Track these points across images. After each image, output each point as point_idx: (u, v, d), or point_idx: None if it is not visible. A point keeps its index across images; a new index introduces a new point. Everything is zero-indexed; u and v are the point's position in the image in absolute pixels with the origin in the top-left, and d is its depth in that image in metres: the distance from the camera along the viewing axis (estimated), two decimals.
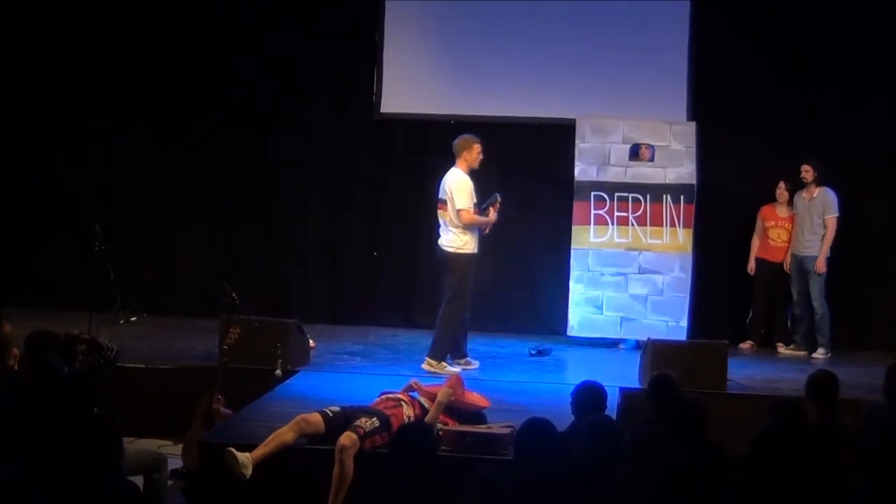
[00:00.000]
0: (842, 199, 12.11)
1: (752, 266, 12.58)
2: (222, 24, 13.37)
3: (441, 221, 10.68)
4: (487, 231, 10.75)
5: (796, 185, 12.31)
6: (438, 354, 10.64)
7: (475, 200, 10.61)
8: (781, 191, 12.41)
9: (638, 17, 12.93)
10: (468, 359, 10.92)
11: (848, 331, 12.49)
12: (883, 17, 12.54)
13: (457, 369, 10.45)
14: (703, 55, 12.80)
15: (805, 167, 12.10)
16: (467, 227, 10.53)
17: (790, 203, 12.41)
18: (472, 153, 10.65)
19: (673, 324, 12.15)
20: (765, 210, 12.55)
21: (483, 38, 13.15)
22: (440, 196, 10.72)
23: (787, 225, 12.42)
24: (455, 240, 10.56)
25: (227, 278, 10.33)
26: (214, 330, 10.22)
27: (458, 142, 10.75)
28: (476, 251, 10.66)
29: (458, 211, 10.49)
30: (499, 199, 10.67)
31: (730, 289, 12.88)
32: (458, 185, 10.54)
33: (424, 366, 10.56)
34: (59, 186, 13.55)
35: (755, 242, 12.58)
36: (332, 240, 13.52)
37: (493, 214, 10.64)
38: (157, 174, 13.47)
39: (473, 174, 10.75)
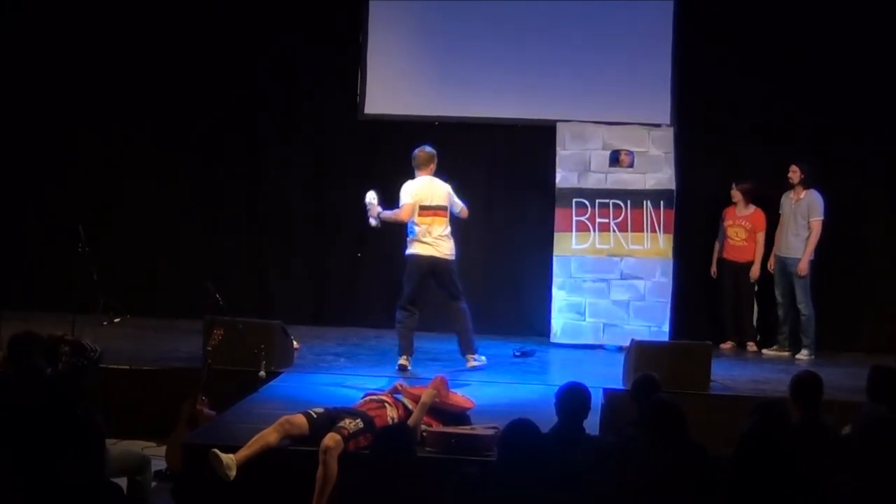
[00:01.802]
0: (826, 201, 12.14)
1: (714, 269, 12.67)
2: (206, 28, 13.35)
3: (441, 230, 10.80)
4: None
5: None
6: (474, 348, 10.91)
7: None
8: (734, 191, 12.49)
9: (622, 19, 12.95)
10: (408, 357, 10.88)
11: (832, 332, 12.50)
12: (866, 21, 12.57)
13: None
14: (686, 59, 12.82)
15: (792, 168, 12.13)
16: (447, 230, 10.83)
17: (747, 203, 12.47)
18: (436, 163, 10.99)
19: (655, 329, 12.17)
20: (726, 211, 12.64)
21: (467, 39, 13.16)
22: (439, 204, 10.79)
23: (744, 223, 12.49)
24: (452, 247, 10.85)
25: (211, 280, 10.31)
26: (198, 331, 10.19)
27: (423, 154, 10.95)
28: None
29: (462, 210, 10.92)
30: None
31: (710, 293, 12.87)
32: (451, 191, 10.87)
33: (471, 363, 10.82)
34: (44, 187, 13.52)
35: (717, 246, 12.67)
36: (317, 241, 13.51)
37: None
38: (141, 175, 13.44)
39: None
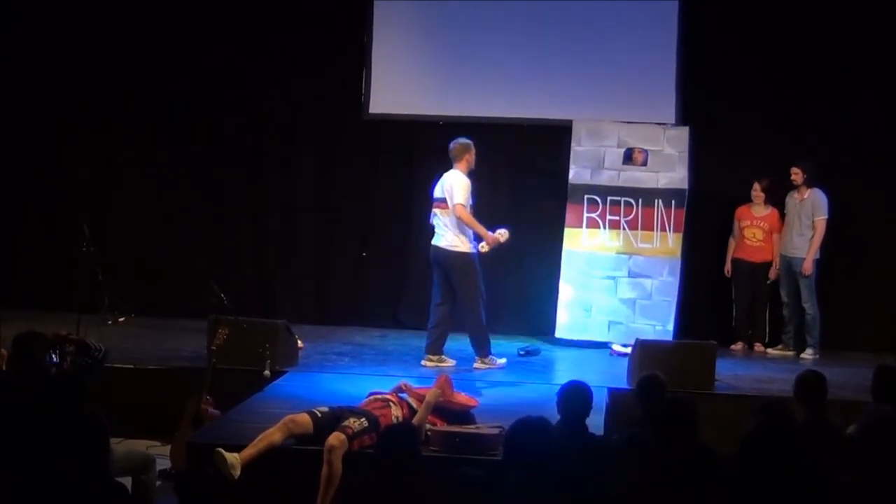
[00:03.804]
0: (831, 200, 12.13)
1: (728, 268, 12.62)
2: (211, 25, 13.34)
3: (440, 222, 10.87)
4: (485, 250, 10.94)
5: (780, 186, 12.32)
6: (480, 353, 11.02)
7: (471, 202, 10.85)
8: (757, 192, 12.43)
9: (628, 17, 12.91)
10: (442, 356, 11.00)
11: (836, 331, 12.49)
12: (874, 19, 12.56)
13: (504, 360, 10.98)
14: (693, 57, 12.80)
15: (794, 169, 12.12)
16: (461, 224, 10.73)
17: (766, 203, 12.44)
18: (472, 156, 10.97)
19: (660, 328, 12.14)
20: (740, 210, 12.58)
21: (471, 38, 13.14)
22: (438, 196, 10.92)
23: (762, 224, 12.44)
24: (457, 241, 10.82)
25: (215, 279, 10.31)
26: (203, 330, 10.21)
27: (455, 146, 10.98)
28: (475, 253, 10.88)
29: (455, 205, 10.72)
30: (507, 234, 10.96)
31: (717, 292, 12.84)
32: (458, 181, 10.81)
33: (478, 364, 10.95)
34: (47, 186, 13.53)
35: (731, 244, 12.61)
36: (321, 240, 13.51)
37: (493, 238, 10.89)
38: (145, 175, 13.46)
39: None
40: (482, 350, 11.01)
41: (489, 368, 10.89)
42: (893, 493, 5.89)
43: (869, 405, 7.64)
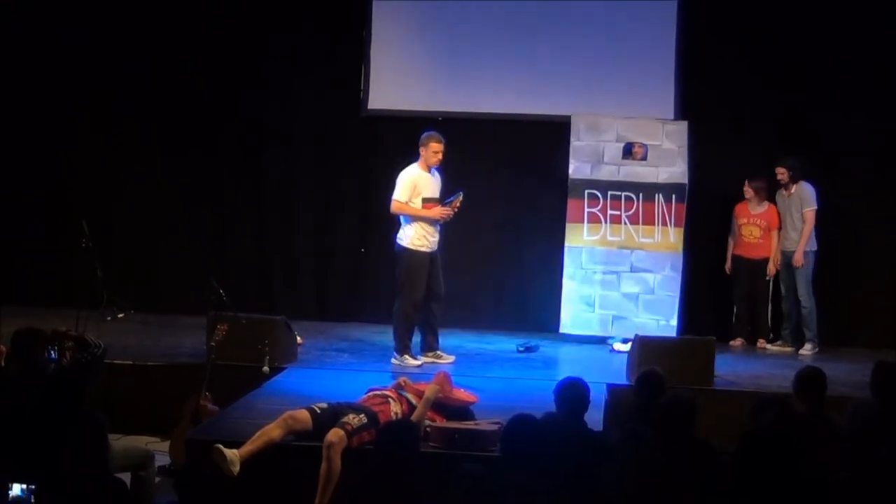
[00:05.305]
0: (827, 195, 12.14)
1: (728, 265, 12.62)
2: (209, 24, 13.35)
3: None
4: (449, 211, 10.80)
5: (771, 184, 12.33)
6: (396, 348, 10.85)
7: (428, 195, 10.72)
8: (746, 188, 12.43)
9: (628, 14, 12.92)
10: (438, 352, 10.94)
11: (835, 327, 12.50)
12: (868, 18, 12.55)
13: (418, 362, 10.71)
14: (691, 53, 12.80)
15: (779, 169, 12.14)
16: (409, 219, 10.65)
17: (762, 200, 12.44)
18: (428, 150, 10.76)
19: (663, 322, 12.15)
20: (738, 208, 12.58)
21: (471, 34, 13.13)
22: None
23: (759, 222, 12.42)
24: (401, 235, 10.76)
25: (214, 275, 10.31)
26: (202, 327, 10.20)
27: (421, 136, 10.89)
28: (424, 250, 10.72)
29: (391, 201, 10.68)
30: (460, 197, 10.76)
31: (720, 287, 12.83)
32: (400, 177, 10.75)
33: (392, 360, 10.78)
34: (47, 183, 13.53)
35: (731, 242, 12.62)
36: (320, 236, 13.51)
37: (439, 210, 10.69)
38: (145, 171, 13.45)
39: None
40: (395, 345, 10.85)
41: (399, 366, 10.64)
42: (890, 490, 5.90)
43: (861, 400, 7.66)
